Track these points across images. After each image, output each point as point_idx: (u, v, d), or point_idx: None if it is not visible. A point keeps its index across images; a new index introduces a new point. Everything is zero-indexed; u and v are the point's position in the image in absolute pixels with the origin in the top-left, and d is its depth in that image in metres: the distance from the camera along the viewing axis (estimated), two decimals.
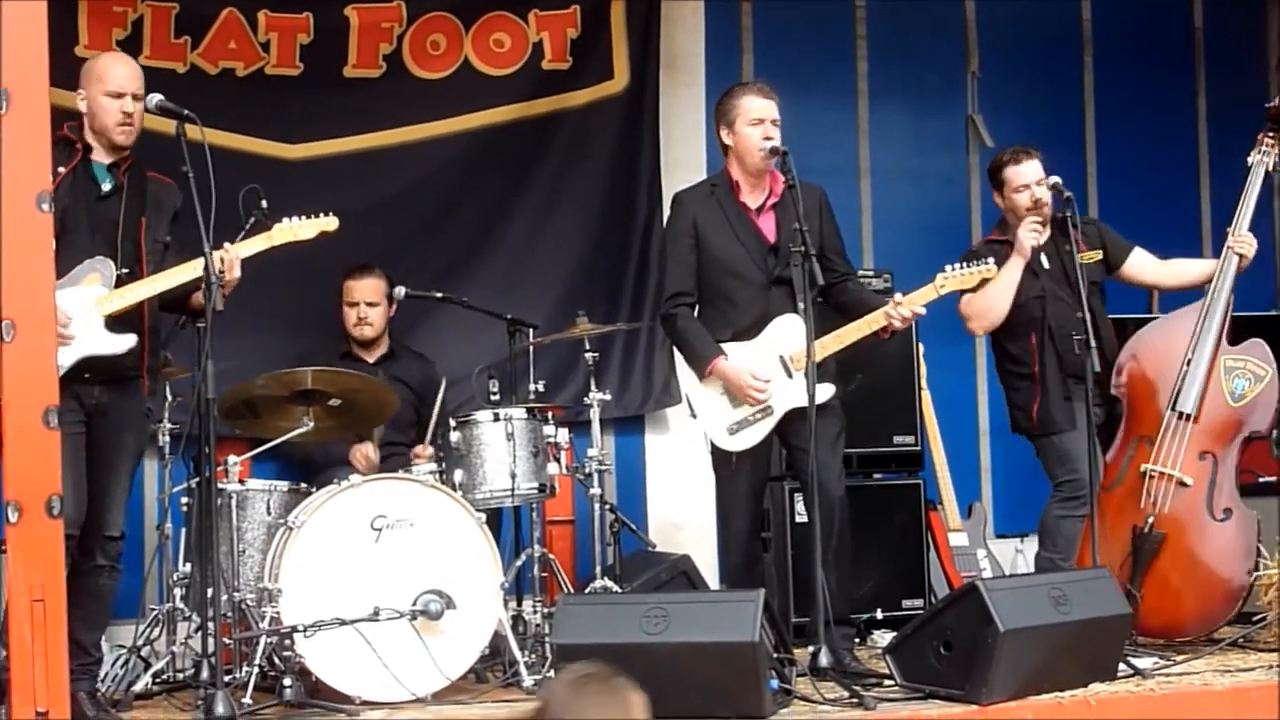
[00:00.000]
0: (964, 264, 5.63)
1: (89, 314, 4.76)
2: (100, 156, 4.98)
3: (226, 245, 4.87)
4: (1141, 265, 6.13)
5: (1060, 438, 5.89)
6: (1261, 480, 6.80)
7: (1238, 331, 6.44)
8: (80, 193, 4.85)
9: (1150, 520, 5.79)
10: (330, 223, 5.23)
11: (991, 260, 5.70)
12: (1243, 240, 6.04)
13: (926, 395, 7.21)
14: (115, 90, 4.93)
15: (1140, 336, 6.11)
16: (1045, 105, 8.28)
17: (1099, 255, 6.08)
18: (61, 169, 4.76)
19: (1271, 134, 6.15)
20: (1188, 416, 5.84)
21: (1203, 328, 5.94)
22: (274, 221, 5.13)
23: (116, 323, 4.81)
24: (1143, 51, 8.36)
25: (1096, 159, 8.35)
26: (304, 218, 5.18)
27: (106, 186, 4.94)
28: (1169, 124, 8.44)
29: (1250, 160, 6.16)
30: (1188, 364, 5.88)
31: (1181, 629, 5.84)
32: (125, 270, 4.88)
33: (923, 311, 5.51)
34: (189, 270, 4.86)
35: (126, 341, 4.83)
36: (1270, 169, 6.14)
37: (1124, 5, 8.42)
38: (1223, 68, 8.67)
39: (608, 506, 6.10)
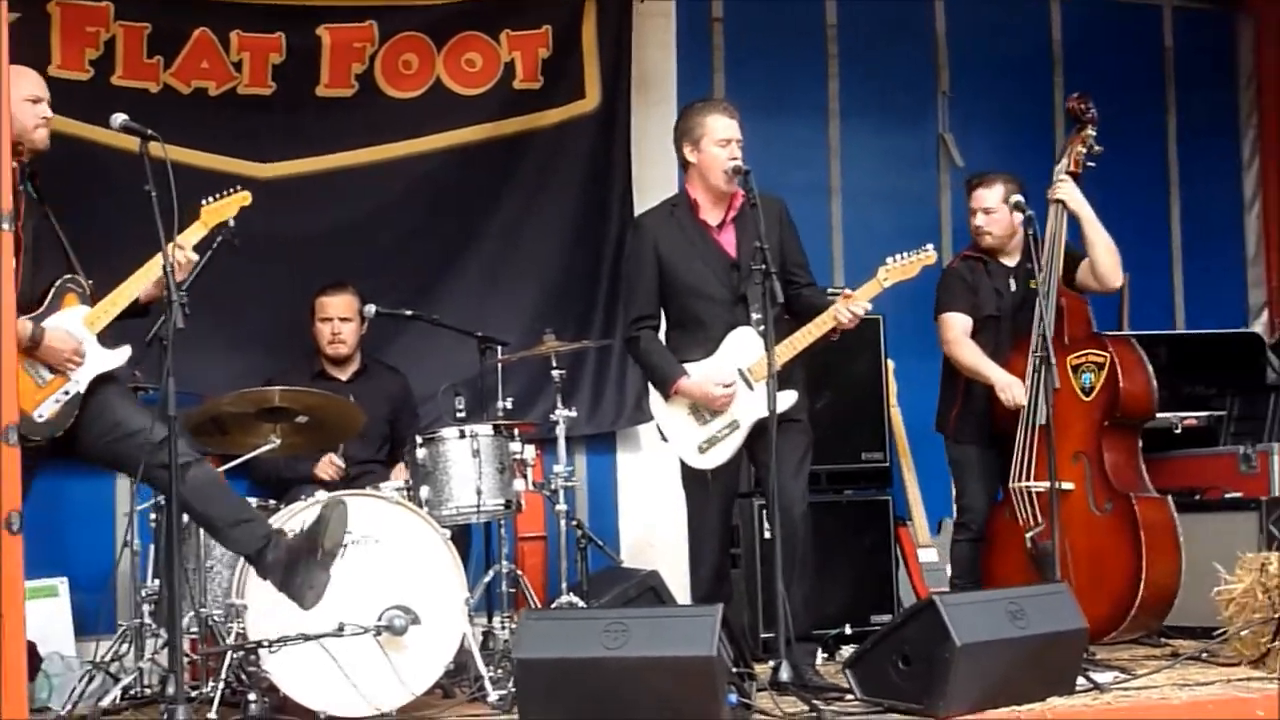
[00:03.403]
0: (905, 254, 5.66)
1: (86, 336, 4.89)
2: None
3: (177, 239, 4.87)
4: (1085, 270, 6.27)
5: (962, 450, 6.23)
6: (1227, 496, 6.86)
7: (1187, 350, 6.51)
8: (32, 210, 4.90)
9: (1030, 535, 5.93)
10: (244, 196, 5.29)
11: (930, 247, 5.69)
12: (1058, 185, 6.18)
13: (897, 412, 7.27)
14: (34, 96, 4.97)
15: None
16: (1016, 124, 8.35)
17: None
18: (19, 187, 4.78)
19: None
20: (1044, 427, 5.87)
21: (1039, 333, 5.88)
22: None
23: (104, 336, 4.95)
24: (1113, 71, 8.43)
25: None
26: (219, 197, 5.25)
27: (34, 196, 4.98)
28: (1140, 143, 8.50)
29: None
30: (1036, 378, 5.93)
31: (1107, 625, 5.95)
32: (90, 280, 4.99)
33: (869, 306, 5.55)
34: (152, 270, 4.93)
35: (124, 354, 4.98)
36: (1071, 169, 6.27)
37: (1095, 25, 8.51)
38: (1193, 87, 8.77)
39: (575, 523, 6.14)
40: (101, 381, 4.90)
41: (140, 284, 5.00)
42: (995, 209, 6.24)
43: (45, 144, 5.01)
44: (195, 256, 5.07)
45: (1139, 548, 5.94)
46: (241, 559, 5.29)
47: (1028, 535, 5.96)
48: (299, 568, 4.86)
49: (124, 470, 5.07)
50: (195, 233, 5.16)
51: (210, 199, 5.24)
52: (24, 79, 5.00)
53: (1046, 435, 5.75)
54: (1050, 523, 5.69)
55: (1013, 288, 6.25)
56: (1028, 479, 6.01)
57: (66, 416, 4.83)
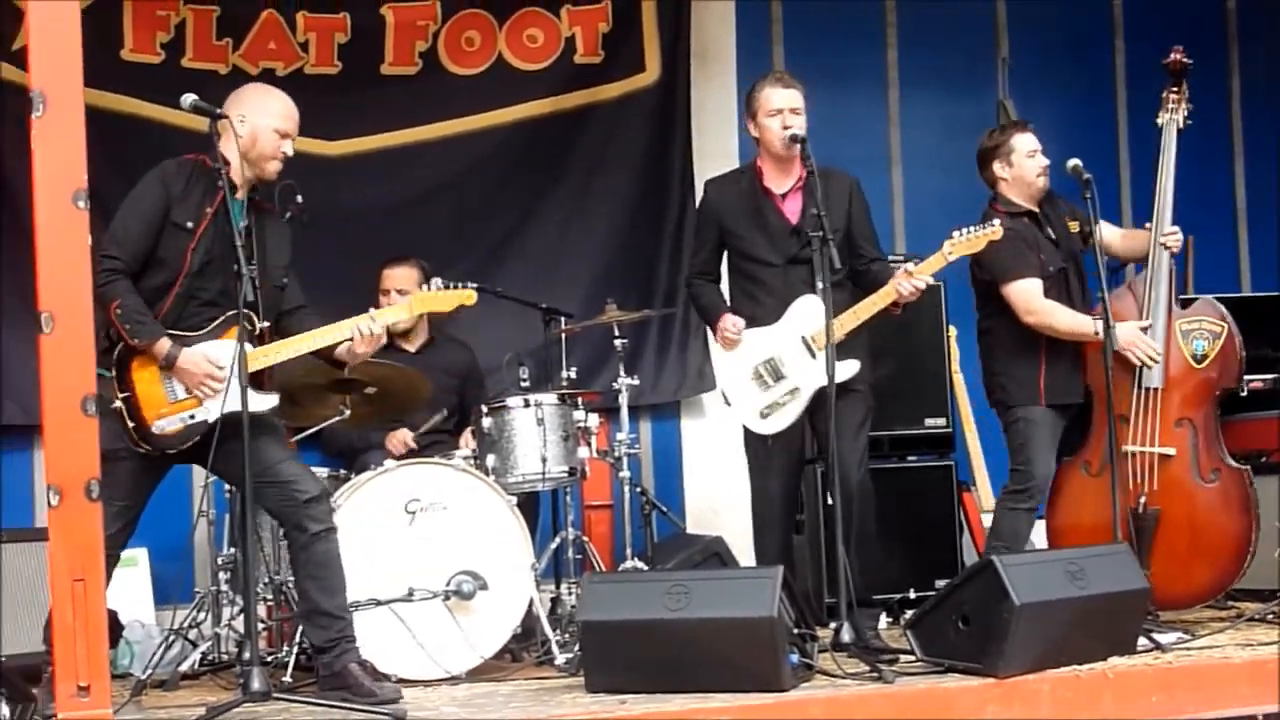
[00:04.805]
0: (970, 228, 5.63)
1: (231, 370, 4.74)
2: (238, 193, 4.92)
3: (372, 312, 5.01)
4: (1110, 235, 6.09)
5: (1043, 413, 5.90)
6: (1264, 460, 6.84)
7: (1252, 312, 6.47)
8: (222, 234, 4.79)
9: (1142, 499, 5.85)
10: (469, 296, 5.29)
11: (997, 222, 5.64)
12: (1169, 237, 6.01)
13: (959, 378, 7.29)
14: (285, 131, 4.97)
15: None
16: (1076, 89, 8.33)
17: (1077, 226, 6.10)
18: (209, 209, 4.79)
19: (1174, 90, 6.18)
20: (1156, 390, 5.87)
21: (1151, 298, 5.92)
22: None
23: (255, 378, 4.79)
24: (1174, 32, 8.27)
25: (1129, 142, 8.39)
26: (444, 288, 5.22)
27: (241, 225, 4.84)
28: (1202, 105, 8.31)
29: (1160, 121, 6.18)
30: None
31: (1199, 594, 5.95)
32: (266, 324, 4.89)
33: (931, 280, 5.57)
34: (334, 333, 4.96)
35: (269, 401, 4.89)
36: (1180, 126, 6.14)
37: None
38: (1255, 48, 8.68)
39: (639, 490, 6.23)
40: (255, 425, 4.66)
41: (316, 341, 4.95)
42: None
43: (272, 177, 5.00)
44: (382, 332, 5.03)
45: (1249, 518, 5.89)
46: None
47: (1139, 498, 5.87)
48: (336, 693, 4.75)
49: (267, 511, 5.05)
50: (395, 313, 5.24)
51: (428, 286, 5.26)
52: (278, 105, 5.00)
53: (1107, 401, 5.71)
54: (1112, 488, 5.65)
55: (1052, 235, 6.02)
56: (1142, 443, 5.90)
57: (184, 439, 4.75)
